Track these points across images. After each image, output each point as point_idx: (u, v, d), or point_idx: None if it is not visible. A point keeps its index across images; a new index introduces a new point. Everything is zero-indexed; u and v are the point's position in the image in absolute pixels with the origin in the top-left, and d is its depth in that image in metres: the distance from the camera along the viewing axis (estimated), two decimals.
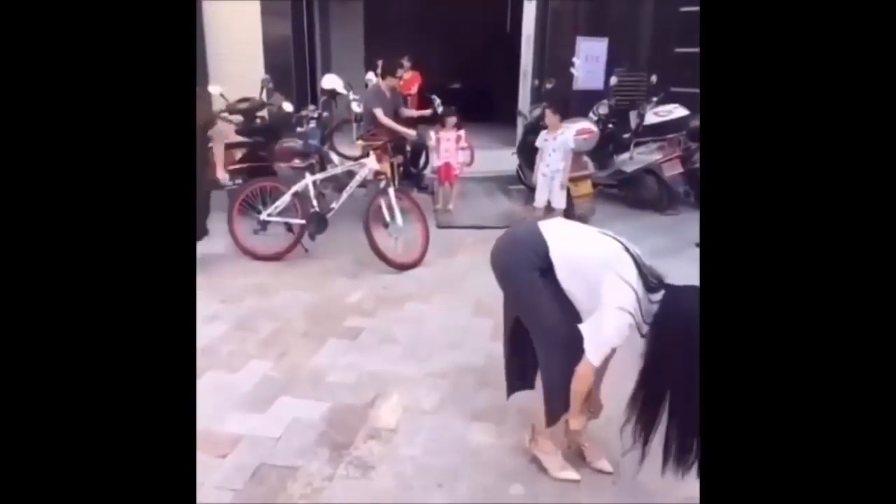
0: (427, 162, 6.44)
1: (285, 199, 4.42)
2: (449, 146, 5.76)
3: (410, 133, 5.57)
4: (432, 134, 5.87)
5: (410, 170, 6.22)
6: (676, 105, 6.07)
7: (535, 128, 6.28)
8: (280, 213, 4.45)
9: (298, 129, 5.67)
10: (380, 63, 6.20)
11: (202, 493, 2.07)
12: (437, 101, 6.11)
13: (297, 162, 4.76)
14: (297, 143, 5.34)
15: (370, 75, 6.48)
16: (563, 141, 4.96)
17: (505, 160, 6.84)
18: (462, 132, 5.85)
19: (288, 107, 5.58)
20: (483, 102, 9.99)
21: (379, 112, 5.34)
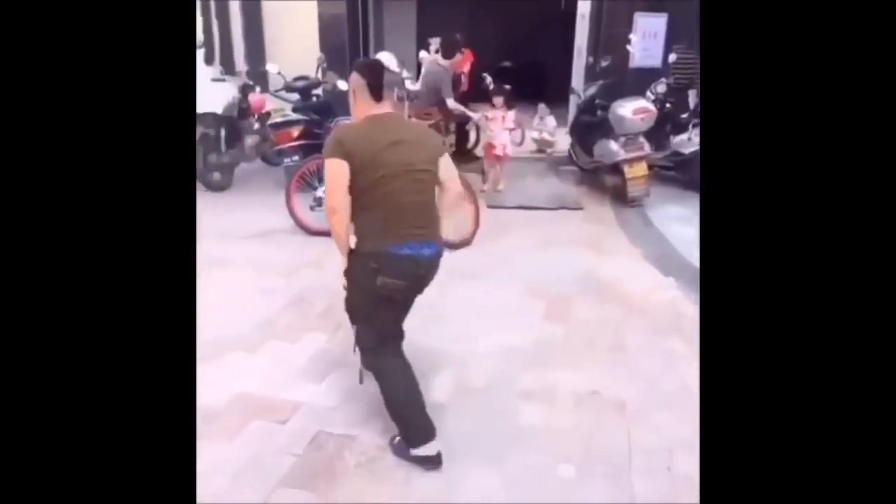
0: (477, 141, 6.42)
1: None
2: (497, 126, 5.72)
3: (473, 115, 5.69)
4: (482, 113, 5.84)
5: (461, 149, 6.22)
6: None
7: (590, 107, 6.15)
8: None
9: None
10: (432, 41, 6.15)
11: (265, 458, 2.19)
12: (489, 79, 6.06)
13: None
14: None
15: (423, 53, 6.47)
16: None
17: (558, 139, 6.75)
18: (511, 112, 5.78)
19: (342, 85, 5.64)
20: (536, 81, 9.81)
21: (450, 101, 5.47)
